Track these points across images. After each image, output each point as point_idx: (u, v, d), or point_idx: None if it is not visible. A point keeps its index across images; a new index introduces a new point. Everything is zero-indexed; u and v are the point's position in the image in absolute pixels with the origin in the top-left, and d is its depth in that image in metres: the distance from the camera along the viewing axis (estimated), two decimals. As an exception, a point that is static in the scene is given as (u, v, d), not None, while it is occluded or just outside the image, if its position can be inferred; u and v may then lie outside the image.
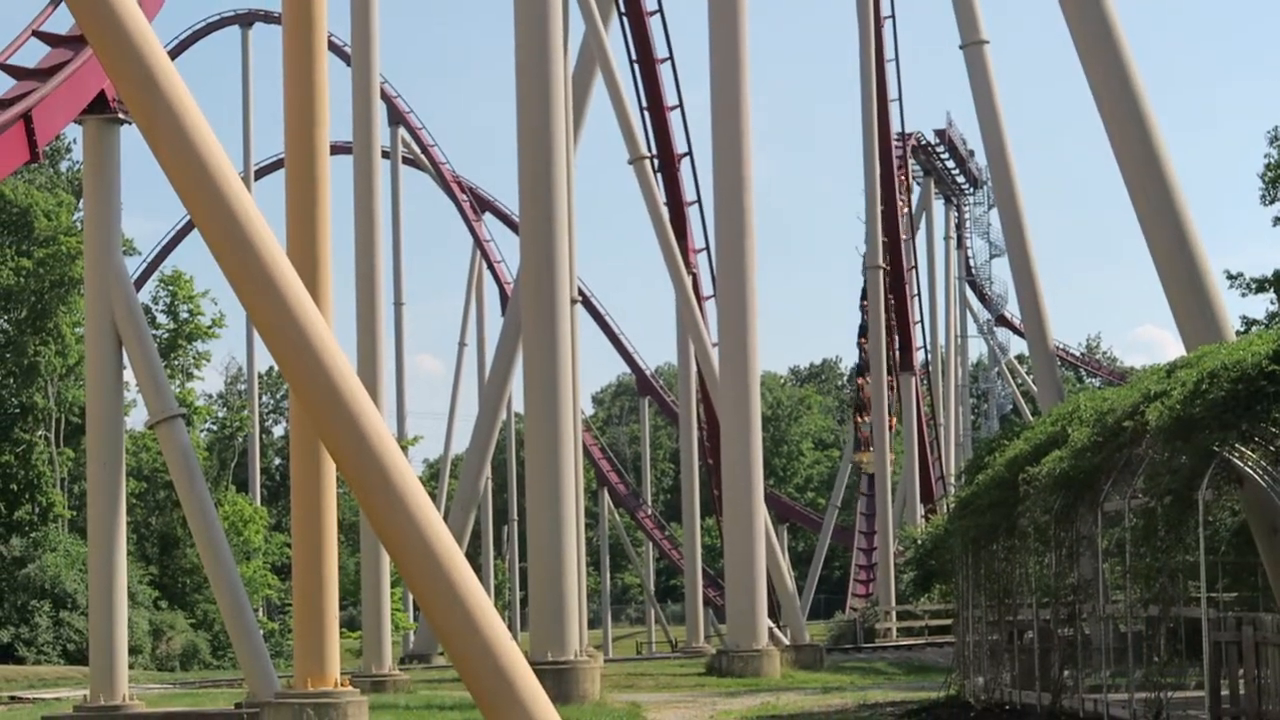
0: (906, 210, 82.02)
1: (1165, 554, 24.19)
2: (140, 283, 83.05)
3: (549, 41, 38.98)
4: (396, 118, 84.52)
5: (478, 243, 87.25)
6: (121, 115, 33.22)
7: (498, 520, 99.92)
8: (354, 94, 47.46)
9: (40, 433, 75.77)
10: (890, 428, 72.81)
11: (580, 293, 56.32)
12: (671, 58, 64.98)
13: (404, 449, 41.37)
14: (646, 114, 64.19)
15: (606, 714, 33.97)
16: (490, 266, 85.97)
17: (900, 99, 76.78)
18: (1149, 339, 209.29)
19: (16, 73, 32.22)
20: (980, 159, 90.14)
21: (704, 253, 64.50)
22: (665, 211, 57.83)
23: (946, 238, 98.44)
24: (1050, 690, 28.97)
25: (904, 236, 78.77)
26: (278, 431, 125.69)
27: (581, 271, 59.33)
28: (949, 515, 44.06)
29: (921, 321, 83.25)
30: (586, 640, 48.91)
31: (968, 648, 35.19)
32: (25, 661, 66.30)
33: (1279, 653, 22.02)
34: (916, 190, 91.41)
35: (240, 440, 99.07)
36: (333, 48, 70.21)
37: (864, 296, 75.64)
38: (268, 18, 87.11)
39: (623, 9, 63.04)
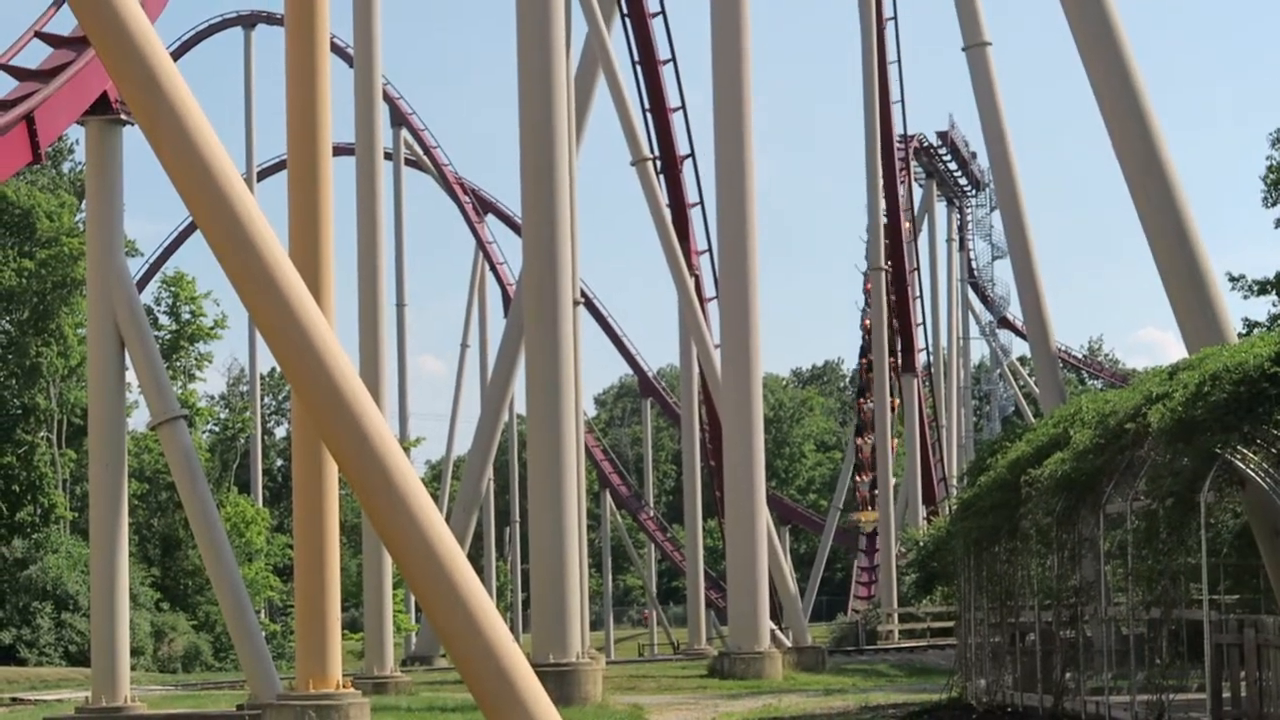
0: (909, 212, 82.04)
1: (1167, 556, 24.19)
2: (143, 284, 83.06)
3: (551, 43, 38.97)
4: (399, 119, 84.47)
5: (480, 244, 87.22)
6: (124, 116, 33.23)
7: (500, 522, 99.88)
8: (356, 95, 47.44)
9: (42, 434, 75.76)
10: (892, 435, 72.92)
11: (582, 294, 56.27)
12: (674, 59, 64.99)
13: (406, 450, 41.34)
14: (649, 115, 64.14)
15: (608, 716, 33.98)
16: (493, 268, 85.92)
17: (903, 101, 76.91)
18: (1151, 341, 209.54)
19: (19, 74, 32.24)
20: (982, 161, 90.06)
21: (706, 254, 64.48)
22: (668, 213, 57.84)
23: (949, 239, 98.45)
24: (1052, 692, 28.97)
25: (906, 239, 78.79)
26: (280, 433, 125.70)
27: (584, 273, 59.38)
28: (951, 517, 44.06)
29: (924, 323, 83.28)
30: (588, 642, 48.87)
31: (970, 650, 35.21)
32: (27, 663, 66.28)
33: (1281, 655, 22.02)
34: (919, 192, 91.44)
35: (242, 441, 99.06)
36: (335, 49, 70.25)
37: (866, 299, 75.73)
38: (270, 19, 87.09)
39: (625, 10, 63.03)
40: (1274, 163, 47.99)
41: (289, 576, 68.05)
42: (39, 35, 33.08)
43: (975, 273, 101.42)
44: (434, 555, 14.35)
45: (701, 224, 64.85)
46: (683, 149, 65.45)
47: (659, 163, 62.19)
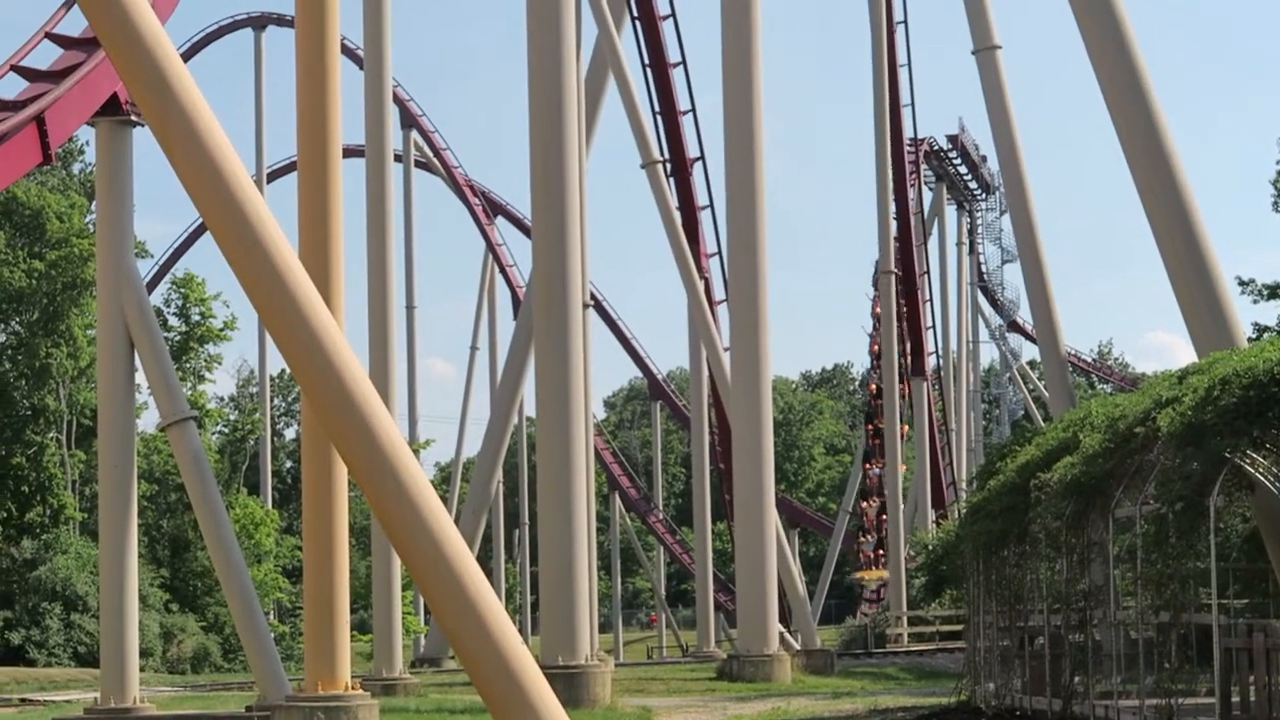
0: (919, 215, 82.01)
1: (1176, 560, 24.15)
2: (152, 285, 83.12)
3: (561, 45, 38.99)
4: (409, 121, 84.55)
5: (490, 246, 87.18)
6: (134, 117, 33.27)
7: (509, 524, 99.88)
8: (366, 97, 47.50)
9: (52, 435, 75.78)
10: (902, 435, 72.76)
11: (592, 297, 56.40)
12: (684, 62, 65.05)
13: (415, 452, 41.36)
14: (659, 118, 64.18)
15: (617, 718, 34.01)
16: (502, 270, 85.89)
17: (913, 104, 76.90)
18: (1160, 345, 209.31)
19: (29, 75, 32.28)
20: (993, 164, 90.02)
21: (716, 257, 64.50)
22: (677, 216, 57.83)
23: (959, 243, 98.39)
24: (1061, 696, 28.93)
25: (916, 242, 78.74)
26: (289, 434, 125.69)
27: (594, 276, 59.43)
28: (960, 521, 44.05)
29: (933, 327, 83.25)
30: (597, 644, 48.92)
31: (979, 653, 35.18)
32: (36, 664, 66.28)
33: (1290, 659, 21.99)
34: (929, 195, 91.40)
35: (252, 443, 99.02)
36: (345, 51, 70.42)
37: (876, 302, 75.67)
38: (280, 21, 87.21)
39: (636, 13, 63.06)
40: (1284, 167, 47.95)
41: (298, 578, 68.10)
42: (49, 36, 33.12)
43: (985, 276, 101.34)
44: (443, 557, 14.36)
45: (711, 227, 64.91)
46: (693, 152, 65.51)
47: (669, 165, 62.20)
